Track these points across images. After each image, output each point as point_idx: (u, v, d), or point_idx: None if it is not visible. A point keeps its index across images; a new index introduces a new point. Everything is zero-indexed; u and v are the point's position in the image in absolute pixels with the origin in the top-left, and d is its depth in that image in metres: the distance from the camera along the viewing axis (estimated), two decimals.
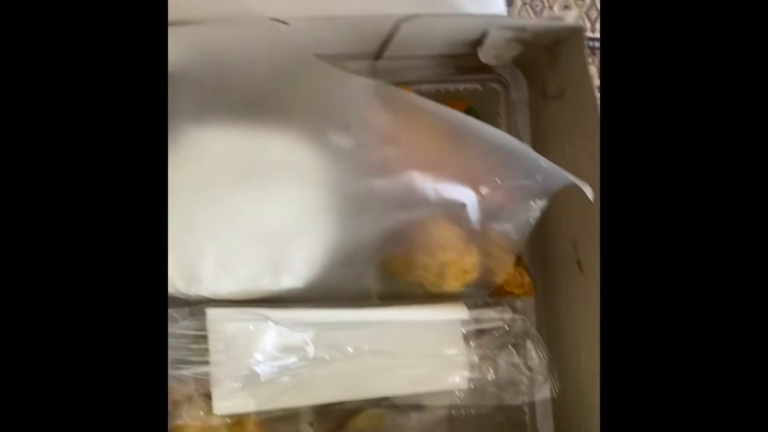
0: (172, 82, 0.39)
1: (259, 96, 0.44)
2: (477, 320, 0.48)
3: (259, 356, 0.43)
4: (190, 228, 0.42)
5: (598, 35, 0.83)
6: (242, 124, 0.43)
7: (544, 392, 0.49)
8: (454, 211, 0.42)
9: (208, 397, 0.43)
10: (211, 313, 0.42)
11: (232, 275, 0.43)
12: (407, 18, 0.40)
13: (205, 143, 0.43)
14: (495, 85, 0.52)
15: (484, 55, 0.47)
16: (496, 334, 0.49)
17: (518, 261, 0.50)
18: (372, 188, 0.43)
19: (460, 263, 0.47)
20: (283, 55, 0.40)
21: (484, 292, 0.50)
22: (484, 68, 0.51)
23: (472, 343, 0.48)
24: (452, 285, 0.48)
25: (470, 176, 0.40)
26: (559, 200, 0.50)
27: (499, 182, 0.41)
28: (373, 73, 0.50)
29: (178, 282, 0.42)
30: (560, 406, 0.52)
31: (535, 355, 0.50)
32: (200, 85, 0.41)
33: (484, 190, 0.41)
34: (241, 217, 0.43)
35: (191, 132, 0.43)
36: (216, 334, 0.42)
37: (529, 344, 0.50)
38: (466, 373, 0.47)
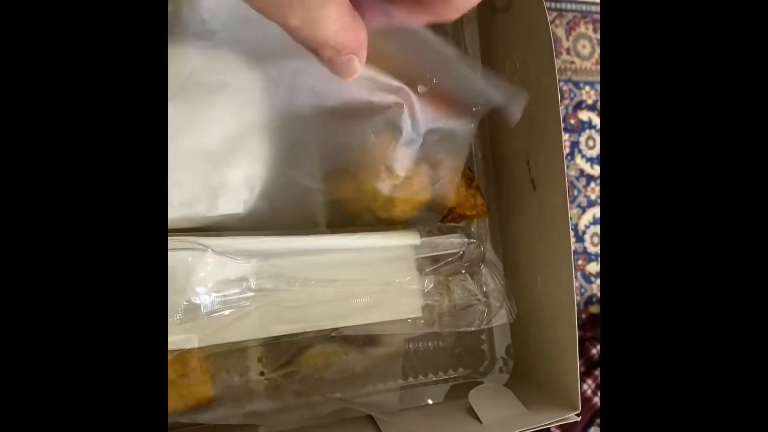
0: None
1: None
2: (430, 246, 0.46)
3: (199, 289, 0.41)
4: None
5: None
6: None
7: (500, 318, 0.47)
8: (394, 119, 0.40)
9: None
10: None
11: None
12: None
13: None
14: None
15: None
16: (450, 260, 0.47)
17: (470, 182, 0.48)
18: (310, 102, 0.40)
19: (409, 186, 0.45)
20: None
21: (436, 217, 0.48)
22: None
23: (426, 270, 0.46)
24: (402, 209, 0.46)
25: (407, 74, 0.38)
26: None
27: (435, 82, 0.39)
28: None
29: None
30: (518, 331, 0.50)
31: (491, 280, 0.48)
32: None
33: (421, 89, 0.39)
34: (173, 136, 0.40)
35: None
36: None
37: (484, 269, 0.49)
38: (420, 301, 0.45)
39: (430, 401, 0.49)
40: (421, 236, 0.46)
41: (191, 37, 0.39)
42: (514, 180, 0.48)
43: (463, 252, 0.47)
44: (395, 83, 0.38)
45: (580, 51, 0.81)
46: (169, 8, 0.38)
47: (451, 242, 0.47)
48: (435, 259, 0.47)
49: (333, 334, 0.46)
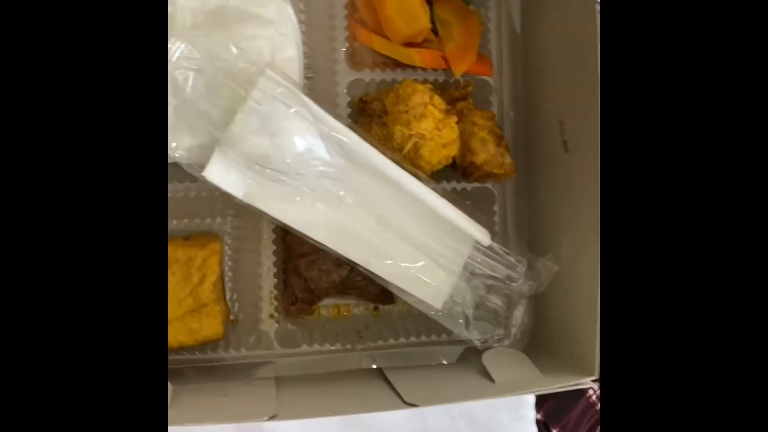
0: None
1: None
2: (490, 254, 0.44)
3: (280, 147, 0.39)
4: None
5: None
6: None
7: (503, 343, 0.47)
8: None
9: None
10: (263, 82, 0.38)
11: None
12: None
13: None
14: None
15: None
16: (498, 278, 0.45)
17: (500, 141, 0.47)
18: None
19: (437, 137, 0.44)
20: None
21: (462, 171, 0.47)
22: None
23: (470, 270, 0.44)
24: (428, 161, 0.45)
25: None
26: (545, 76, 0.47)
27: None
28: None
29: None
30: (538, 298, 0.49)
31: (520, 320, 0.47)
32: None
33: None
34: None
35: None
36: (253, 103, 0.37)
37: (521, 308, 0.47)
38: (446, 296, 0.43)
39: (444, 361, 0.48)
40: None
41: None
42: (544, 140, 0.47)
43: (513, 281, 0.45)
44: None
45: None
46: None
47: (509, 274, 0.44)
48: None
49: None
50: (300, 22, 0.47)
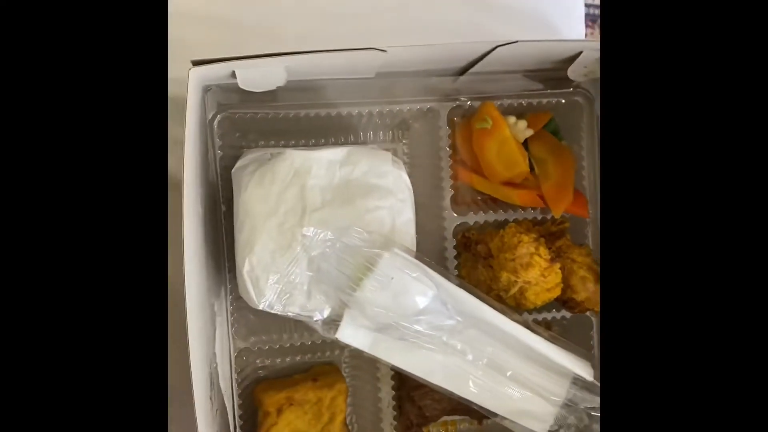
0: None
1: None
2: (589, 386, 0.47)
3: (402, 308, 0.43)
4: (286, 248, 0.43)
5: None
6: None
7: None
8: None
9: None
10: (386, 260, 0.43)
11: (325, 294, 0.44)
12: (505, 44, 0.39)
13: (301, 167, 0.44)
14: (578, 99, 0.51)
15: (574, 73, 0.46)
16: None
17: (598, 276, 0.50)
18: None
19: (543, 283, 0.48)
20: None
21: (562, 303, 0.51)
22: (568, 82, 0.50)
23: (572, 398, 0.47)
24: (532, 302, 0.48)
25: None
26: None
27: None
28: (456, 90, 0.50)
29: (272, 300, 0.44)
30: None
31: None
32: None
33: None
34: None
35: (288, 157, 0.44)
36: (382, 271, 0.42)
37: None
38: (549, 424, 0.47)
39: None
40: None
41: None
42: None
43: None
44: None
45: None
46: None
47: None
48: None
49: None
50: (405, 163, 0.51)
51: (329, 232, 0.43)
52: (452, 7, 0.51)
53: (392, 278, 0.43)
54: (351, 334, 0.44)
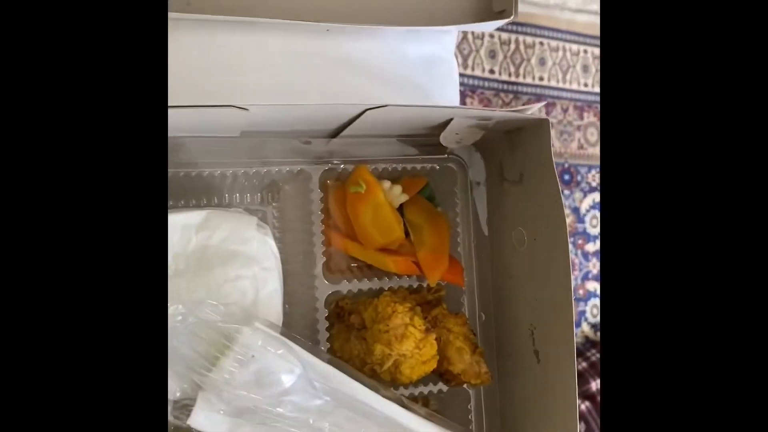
0: None
1: None
2: None
3: (264, 388, 0.40)
4: None
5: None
6: None
7: None
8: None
9: None
10: (246, 335, 0.39)
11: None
12: (375, 107, 0.38)
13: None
14: (452, 165, 0.51)
15: (446, 139, 0.46)
16: None
17: (474, 348, 0.49)
18: None
19: (418, 355, 0.45)
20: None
21: (439, 375, 0.48)
22: (442, 148, 0.49)
23: None
24: (407, 376, 0.46)
25: None
26: (515, 285, 0.49)
27: None
28: (328, 152, 0.48)
29: None
30: None
31: None
32: None
33: None
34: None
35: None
36: (242, 348, 0.39)
37: None
38: None
39: None
40: None
41: None
42: (516, 349, 0.49)
43: None
44: None
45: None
46: None
47: None
48: None
49: None
50: (275, 227, 0.48)
51: (180, 305, 0.38)
52: (326, 70, 0.49)
53: (253, 356, 0.39)
54: (204, 421, 0.39)
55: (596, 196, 0.97)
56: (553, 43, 1.06)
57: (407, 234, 0.50)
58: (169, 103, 0.35)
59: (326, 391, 0.41)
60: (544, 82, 1.06)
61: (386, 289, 0.49)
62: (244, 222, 0.42)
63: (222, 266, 0.40)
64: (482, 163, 0.51)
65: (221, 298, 0.40)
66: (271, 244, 0.43)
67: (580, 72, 1.07)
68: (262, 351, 0.39)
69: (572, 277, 0.43)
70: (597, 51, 1.09)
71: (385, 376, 0.46)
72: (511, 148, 0.47)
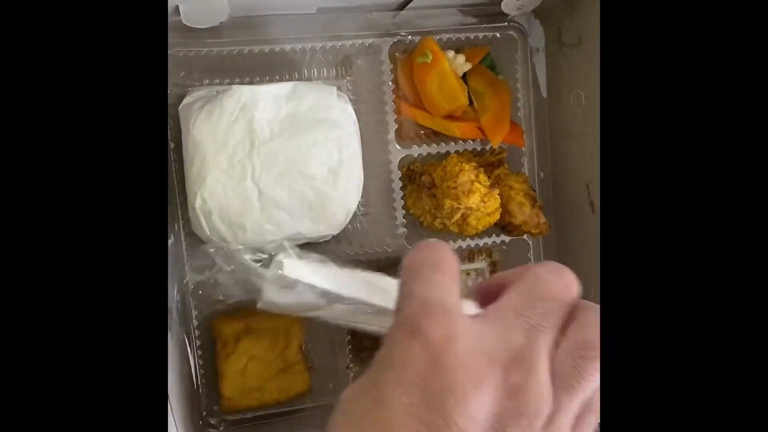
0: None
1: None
2: None
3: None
4: (237, 180, 0.44)
5: None
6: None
7: None
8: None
9: None
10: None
11: (277, 225, 0.46)
12: None
13: (248, 101, 0.44)
14: (512, 33, 0.54)
15: (508, 6, 0.49)
16: None
17: (534, 202, 0.53)
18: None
19: (483, 208, 0.51)
20: None
21: (501, 228, 0.54)
22: (502, 17, 0.52)
23: None
24: (474, 228, 0.51)
25: None
26: (572, 144, 0.53)
27: None
28: (395, 24, 0.51)
29: (225, 232, 0.45)
30: None
31: None
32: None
33: None
34: (284, 167, 0.45)
35: (236, 92, 0.44)
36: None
37: None
38: None
39: None
40: None
41: None
42: (573, 202, 0.53)
43: None
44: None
45: None
46: None
47: None
48: None
49: None
50: (350, 99, 0.53)
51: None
52: None
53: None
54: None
55: None
56: None
57: (471, 101, 0.54)
58: None
59: None
60: None
61: (452, 152, 0.54)
62: (325, 92, 0.47)
63: (310, 131, 0.46)
64: (541, 29, 0.53)
65: (311, 158, 0.45)
66: (350, 111, 0.48)
67: None
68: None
69: None
70: None
71: (453, 228, 0.52)
72: (570, 11, 0.49)
